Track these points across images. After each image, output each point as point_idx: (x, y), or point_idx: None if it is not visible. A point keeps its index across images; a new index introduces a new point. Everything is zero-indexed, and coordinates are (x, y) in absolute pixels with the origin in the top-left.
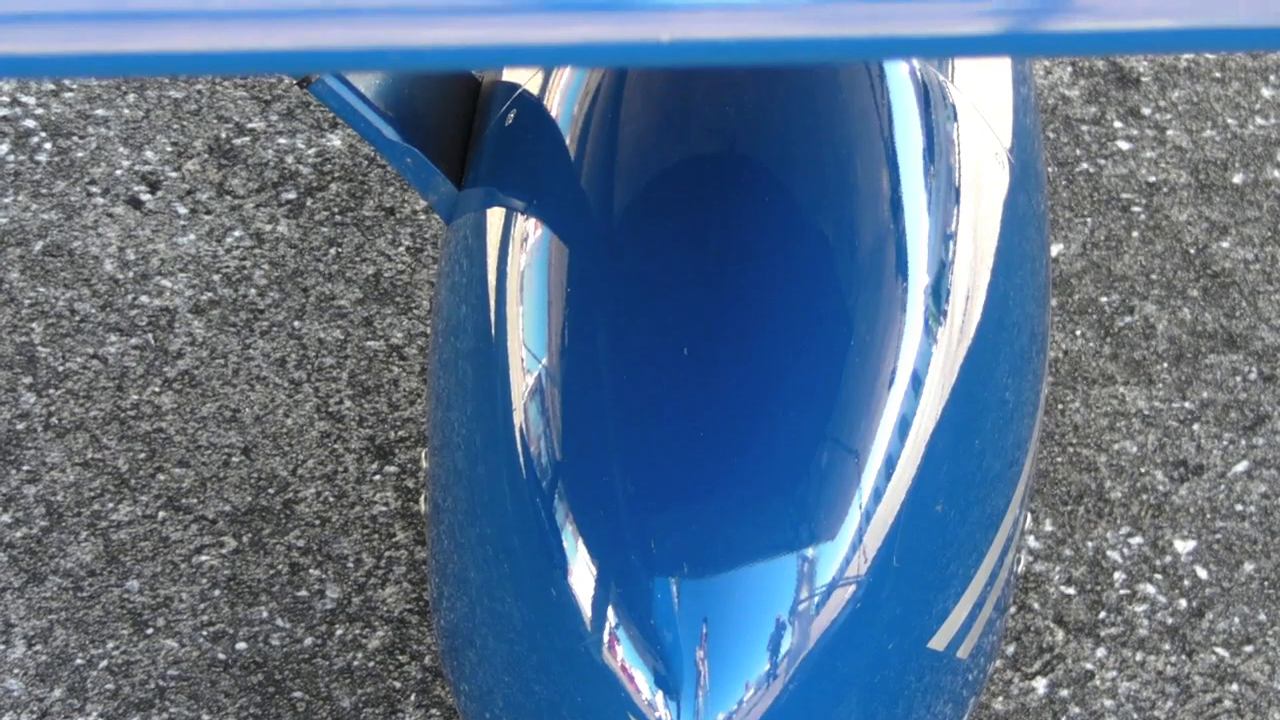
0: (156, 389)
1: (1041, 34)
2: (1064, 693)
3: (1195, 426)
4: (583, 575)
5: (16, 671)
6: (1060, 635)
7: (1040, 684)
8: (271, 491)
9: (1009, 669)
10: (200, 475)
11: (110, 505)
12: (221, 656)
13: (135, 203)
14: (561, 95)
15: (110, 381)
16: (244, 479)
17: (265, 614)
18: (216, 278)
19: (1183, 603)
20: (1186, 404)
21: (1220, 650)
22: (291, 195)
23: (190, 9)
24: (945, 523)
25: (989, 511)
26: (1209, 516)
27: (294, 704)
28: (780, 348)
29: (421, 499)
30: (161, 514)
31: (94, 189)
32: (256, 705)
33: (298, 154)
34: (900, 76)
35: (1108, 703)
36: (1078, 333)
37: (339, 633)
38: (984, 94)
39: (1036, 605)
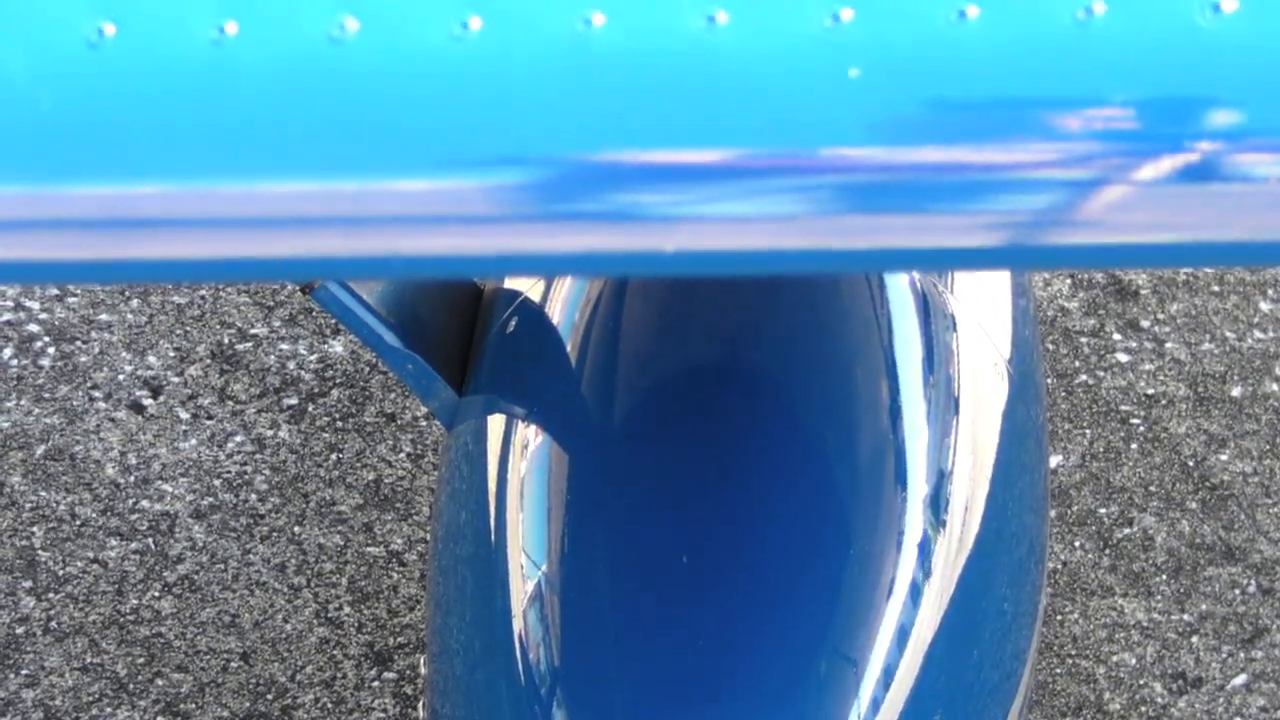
0: (156, 594)
1: (1042, 248)
2: None
3: (1194, 639)
4: None
5: None
6: None
7: None
8: (270, 697)
9: None
10: (199, 680)
11: (109, 710)
12: None
13: (137, 407)
14: (563, 302)
15: (110, 586)
16: (243, 684)
17: None
18: (217, 483)
19: None
20: (1185, 616)
21: None
22: (293, 401)
23: (195, 216)
24: None
25: None
26: None
27: None
28: (779, 557)
29: (420, 706)
30: (160, 719)
31: (96, 394)
32: None
33: (300, 360)
34: (900, 287)
35: None
36: (1077, 544)
37: None
38: (983, 305)
39: None
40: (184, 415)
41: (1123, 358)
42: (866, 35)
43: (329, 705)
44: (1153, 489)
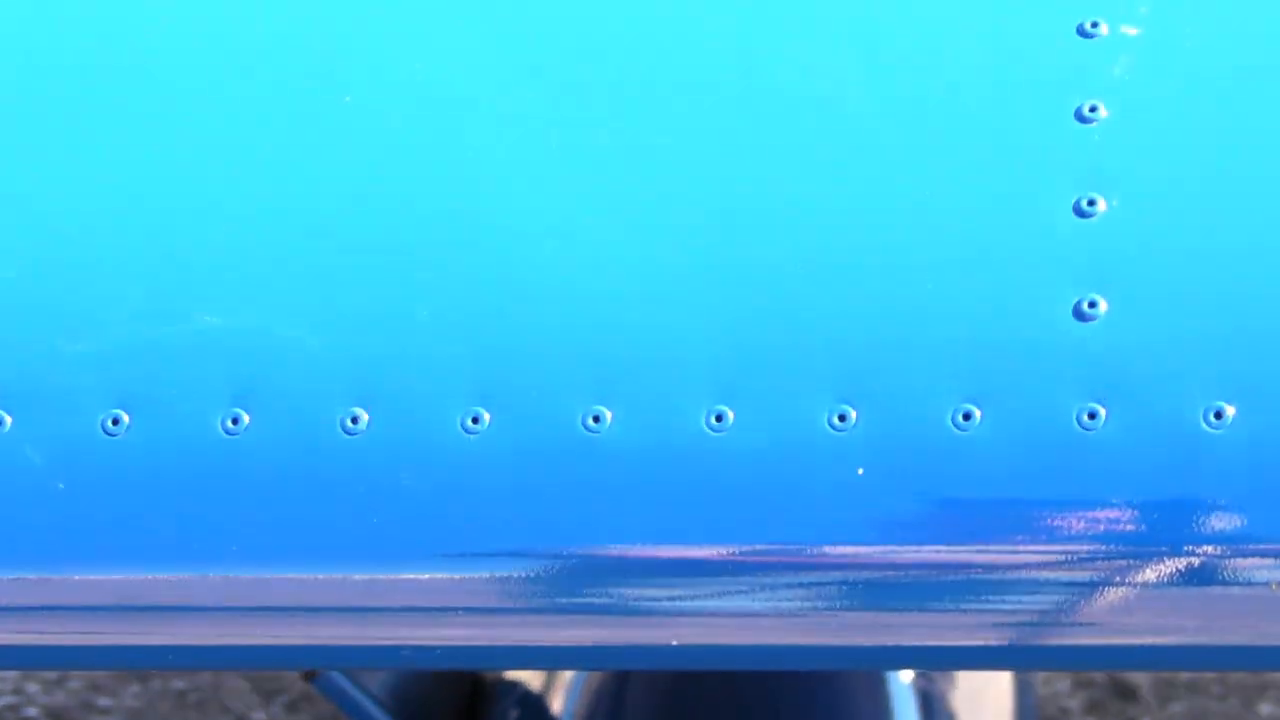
0: None
1: (1043, 649)
2: None
3: None
4: None
5: None
6: None
7: None
8: None
9: None
10: None
11: None
12: None
13: None
14: (564, 693)
15: None
16: None
17: None
18: None
19: None
20: None
21: None
22: None
23: (201, 604)
24: None
25: None
26: None
27: None
28: None
29: None
30: None
31: None
32: None
33: None
34: (900, 681)
35: None
36: None
37: None
38: (984, 700)
39: None
40: None
41: None
42: (871, 435)
43: None
44: None
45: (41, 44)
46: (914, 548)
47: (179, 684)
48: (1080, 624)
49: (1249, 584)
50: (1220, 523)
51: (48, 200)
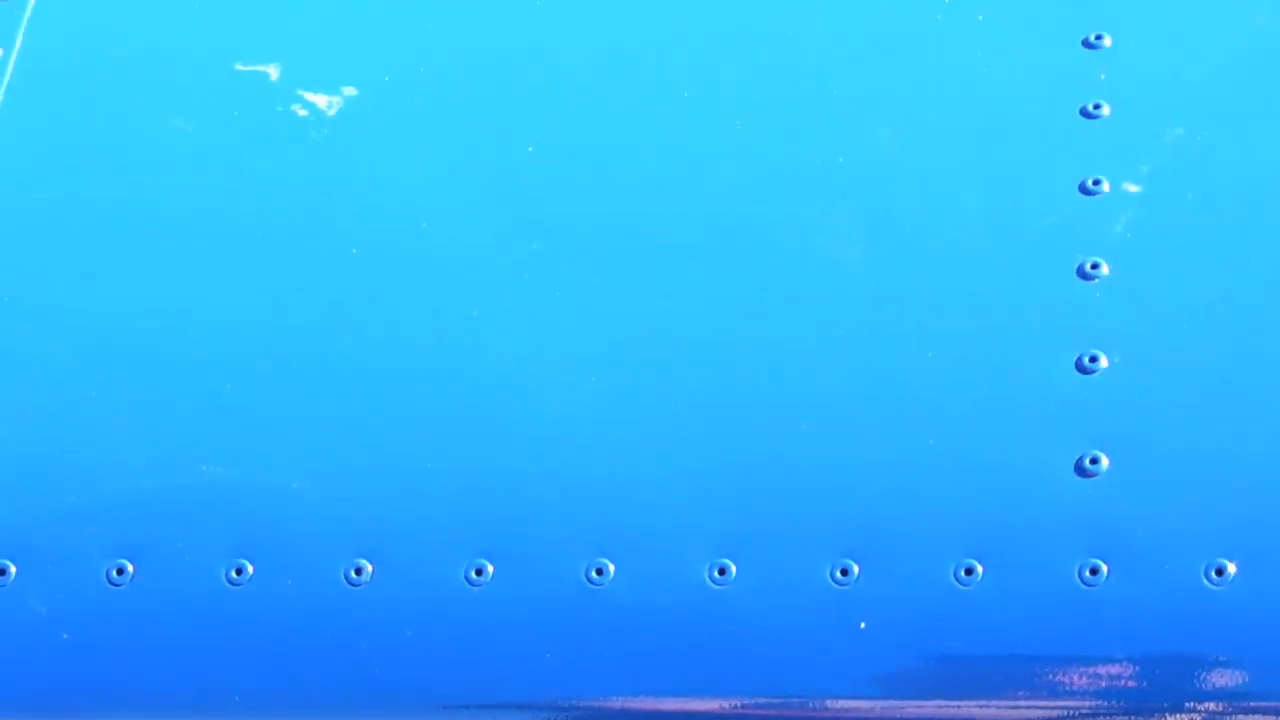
0: None
1: None
2: None
3: None
4: None
5: None
6: None
7: None
8: None
9: None
10: None
11: None
12: None
13: None
14: None
15: None
16: None
17: None
18: None
19: None
20: None
21: None
22: None
23: None
24: None
25: None
26: None
27: None
28: None
29: None
30: None
31: None
32: None
33: None
34: None
35: None
36: None
37: None
38: None
39: None
40: None
41: None
42: (873, 589)
43: None
44: None
45: (43, 196)
46: (916, 703)
47: None
48: None
49: None
50: (1222, 679)
51: (52, 353)
